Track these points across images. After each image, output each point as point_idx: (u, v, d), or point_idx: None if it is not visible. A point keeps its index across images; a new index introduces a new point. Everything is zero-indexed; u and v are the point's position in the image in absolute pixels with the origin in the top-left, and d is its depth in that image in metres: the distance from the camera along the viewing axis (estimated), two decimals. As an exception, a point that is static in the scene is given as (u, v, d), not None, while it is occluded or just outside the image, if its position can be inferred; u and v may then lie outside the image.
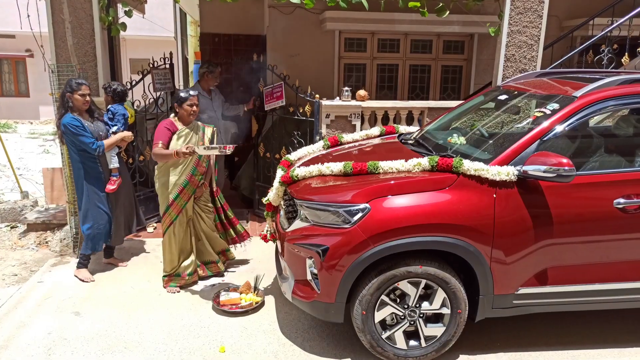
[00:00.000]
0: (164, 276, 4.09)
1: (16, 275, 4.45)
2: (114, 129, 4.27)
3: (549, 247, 2.98)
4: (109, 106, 4.45)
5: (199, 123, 4.15)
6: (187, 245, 4.14)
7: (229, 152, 3.74)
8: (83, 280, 4.18)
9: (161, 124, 3.99)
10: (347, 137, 4.38)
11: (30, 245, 5.10)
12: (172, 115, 4.08)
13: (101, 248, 4.32)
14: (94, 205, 4.17)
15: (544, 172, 2.81)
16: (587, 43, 5.74)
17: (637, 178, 3.05)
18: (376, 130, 4.52)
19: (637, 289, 3.13)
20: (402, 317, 3.06)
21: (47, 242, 5.13)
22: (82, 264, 4.28)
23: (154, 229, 5.42)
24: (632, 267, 3.09)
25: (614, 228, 3.03)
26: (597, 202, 3.01)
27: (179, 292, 4.04)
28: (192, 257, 4.15)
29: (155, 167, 4.10)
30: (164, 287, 4.06)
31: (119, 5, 5.00)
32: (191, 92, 3.99)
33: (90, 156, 4.09)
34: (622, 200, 2.99)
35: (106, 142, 4.11)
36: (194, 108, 3.98)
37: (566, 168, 2.76)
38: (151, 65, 5.40)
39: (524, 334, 3.49)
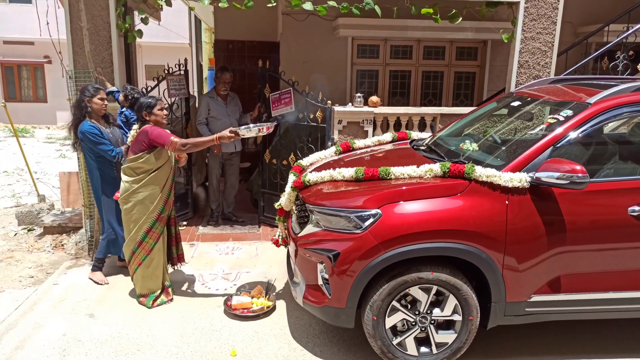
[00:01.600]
0: (151, 296, 3.88)
1: (32, 277, 4.52)
2: (132, 133, 4.33)
3: (562, 255, 2.95)
4: (124, 110, 4.52)
5: None
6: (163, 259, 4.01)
7: (269, 131, 3.77)
8: (97, 283, 4.24)
9: (150, 128, 3.72)
10: (359, 142, 4.40)
11: (47, 248, 5.18)
12: (137, 126, 3.88)
13: (116, 252, 4.36)
14: (109, 211, 4.23)
15: (557, 178, 2.79)
16: (602, 49, 5.70)
17: (652, 186, 3.02)
18: (388, 136, 4.53)
19: (653, 298, 3.09)
20: (413, 324, 3.05)
21: (62, 245, 5.21)
22: (96, 267, 4.34)
23: (184, 226, 5.64)
24: (647, 275, 3.05)
25: (628, 236, 3.00)
26: (611, 209, 2.99)
27: (173, 300, 3.96)
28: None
29: (130, 181, 3.77)
30: (152, 307, 3.84)
31: (136, 13, 5.10)
32: (157, 97, 3.86)
33: (107, 162, 4.15)
34: (636, 208, 2.95)
35: (124, 148, 4.16)
36: (165, 112, 3.88)
37: (579, 175, 2.74)
38: (166, 72, 5.48)
39: (536, 343, 3.45)
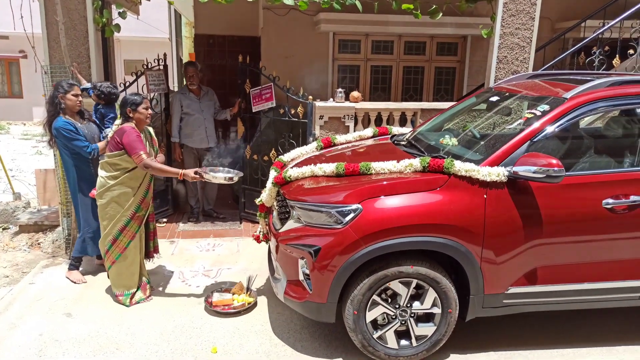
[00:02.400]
0: (127, 294, 3.83)
1: (8, 276, 4.43)
2: (108, 131, 4.27)
3: (538, 247, 3.00)
4: (99, 107, 4.44)
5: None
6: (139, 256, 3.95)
7: (235, 180, 3.78)
8: (74, 282, 4.17)
9: (128, 131, 3.64)
10: (340, 138, 4.39)
11: (22, 247, 5.08)
12: (120, 121, 3.81)
13: (92, 253, 4.28)
14: (85, 209, 4.16)
15: (534, 172, 2.83)
16: (578, 45, 5.78)
17: (625, 179, 3.09)
18: (369, 131, 4.54)
19: (625, 288, 3.16)
20: (394, 317, 3.07)
21: (39, 244, 5.11)
22: (73, 266, 4.27)
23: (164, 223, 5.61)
24: (621, 266, 3.12)
25: (602, 228, 3.06)
26: (586, 202, 3.04)
27: (152, 298, 3.93)
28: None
29: (106, 177, 3.71)
30: (130, 304, 3.80)
31: (113, 7, 5.01)
32: (143, 95, 3.83)
33: (83, 159, 4.07)
34: (610, 201, 3.02)
35: (100, 144, 4.09)
36: (149, 111, 3.80)
37: (555, 169, 2.79)
38: (145, 67, 5.40)
39: (514, 333, 3.51)
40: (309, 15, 7.03)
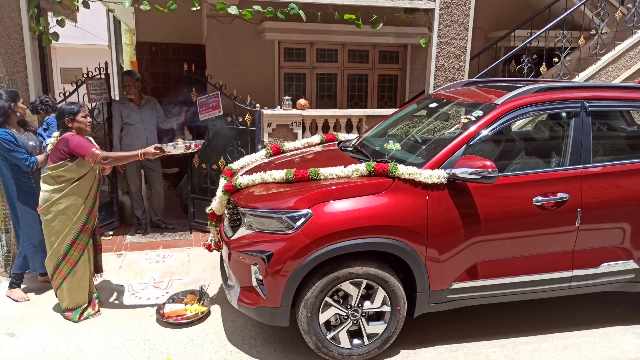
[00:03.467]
0: (77, 310, 3.72)
1: (-59, 299, 4.17)
2: (49, 140, 4.13)
3: (477, 244, 3.21)
4: (46, 118, 4.33)
5: None
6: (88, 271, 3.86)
7: (197, 149, 3.80)
8: (16, 301, 3.99)
9: (71, 137, 3.56)
10: (288, 145, 4.48)
11: (-44, 267, 4.79)
12: (58, 133, 3.68)
13: (34, 269, 4.11)
14: (26, 223, 4.00)
15: (471, 174, 3.04)
16: (509, 53, 6.18)
17: (553, 177, 3.36)
18: (317, 138, 4.65)
19: (557, 279, 3.43)
20: (346, 317, 3.18)
21: (-26, 263, 4.84)
22: (14, 284, 4.09)
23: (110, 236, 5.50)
24: (551, 259, 3.38)
25: (534, 224, 3.31)
26: (518, 200, 3.28)
27: (101, 313, 3.83)
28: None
29: (50, 190, 3.60)
30: (79, 320, 3.70)
31: (50, 14, 4.86)
32: (80, 104, 3.77)
33: (22, 171, 3.93)
34: (540, 198, 3.27)
35: (40, 157, 3.96)
36: (89, 119, 3.74)
37: (490, 170, 3.00)
38: (85, 75, 5.26)
39: (459, 327, 3.70)
40: (253, 24, 7.08)
